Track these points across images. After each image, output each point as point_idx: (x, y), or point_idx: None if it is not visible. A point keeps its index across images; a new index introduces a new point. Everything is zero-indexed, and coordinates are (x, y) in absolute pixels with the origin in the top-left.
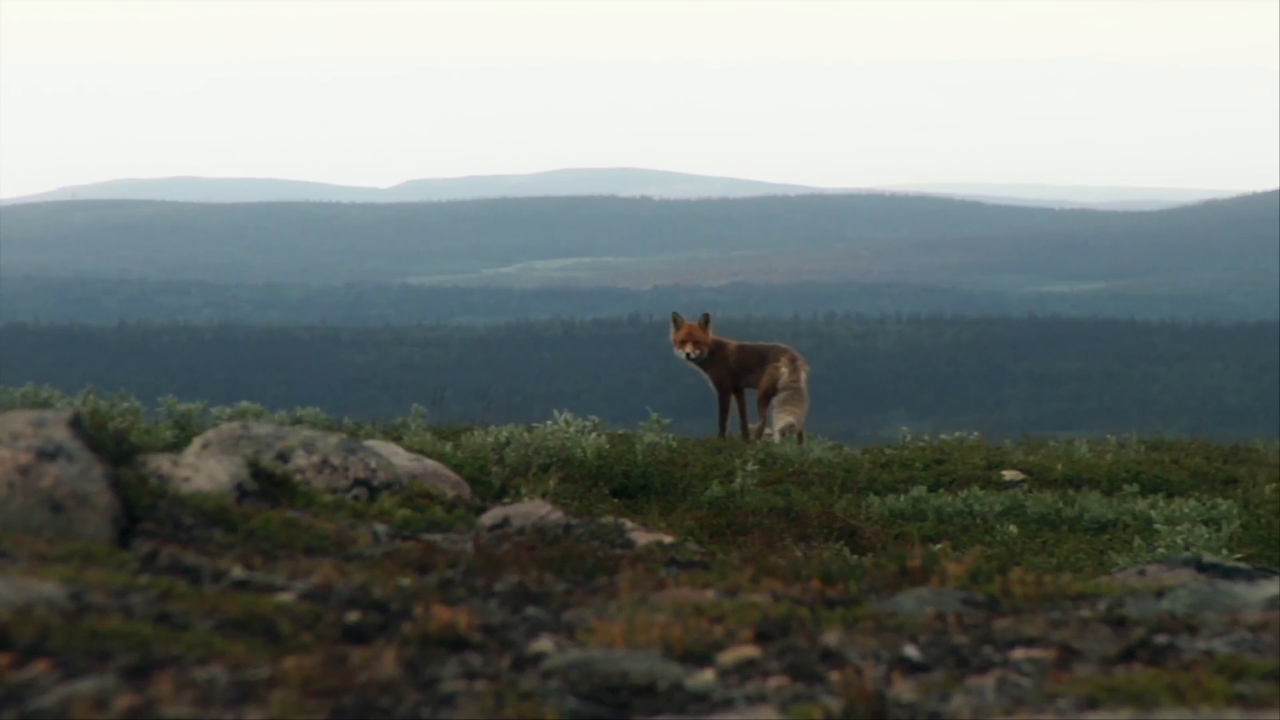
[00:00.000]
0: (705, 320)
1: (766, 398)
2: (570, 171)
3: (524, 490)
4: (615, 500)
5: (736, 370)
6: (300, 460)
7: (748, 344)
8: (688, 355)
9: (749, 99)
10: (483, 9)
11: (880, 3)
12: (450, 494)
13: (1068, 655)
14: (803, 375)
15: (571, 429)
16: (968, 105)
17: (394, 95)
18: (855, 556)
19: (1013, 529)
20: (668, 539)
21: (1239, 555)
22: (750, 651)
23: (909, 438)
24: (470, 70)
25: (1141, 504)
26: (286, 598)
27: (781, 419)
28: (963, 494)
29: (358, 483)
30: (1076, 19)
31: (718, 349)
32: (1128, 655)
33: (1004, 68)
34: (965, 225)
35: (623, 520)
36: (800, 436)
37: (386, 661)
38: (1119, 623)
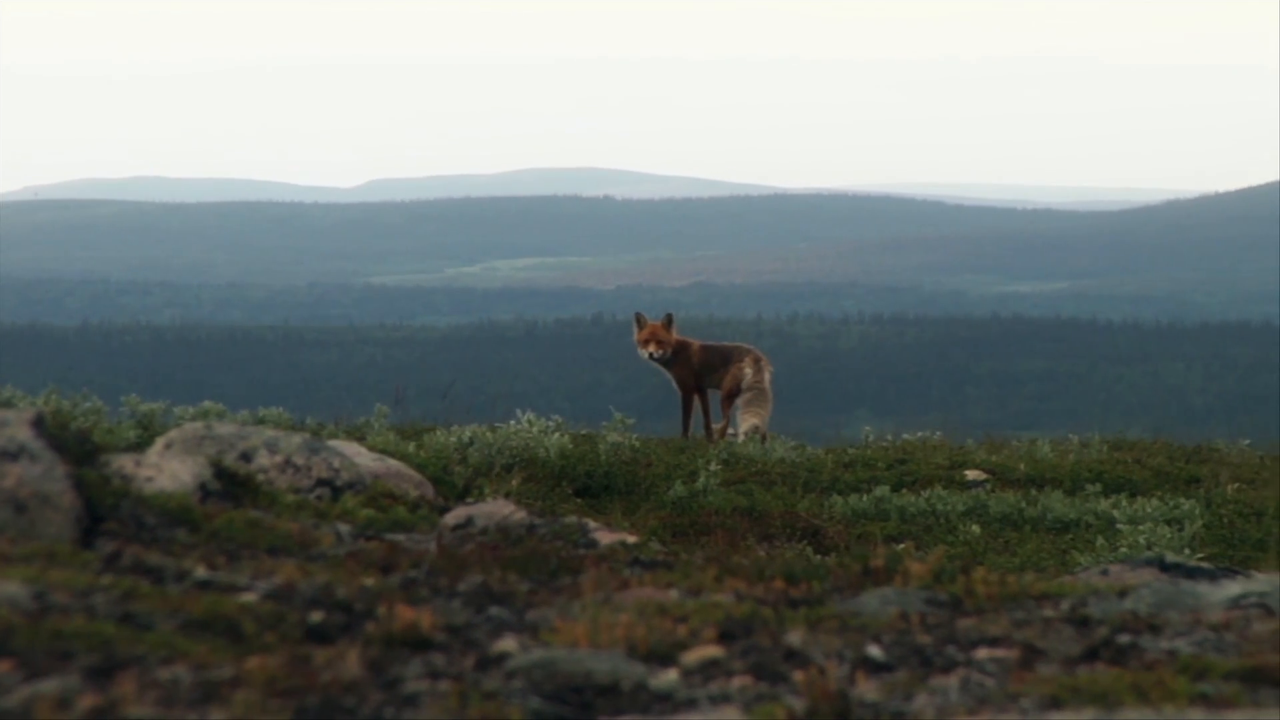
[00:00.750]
0: (668, 320)
1: (730, 398)
2: (533, 171)
3: (487, 490)
4: (578, 500)
5: (700, 370)
6: (263, 460)
7: (711, 344)
8: (651, 355)
9: (712, 99)
10: (444, 8)
11: (843, 3)
12: (413, 494)
13: (1031, 655)
14: (766, 376)
15: (535, 429)
16: (930, 105)
17: (357, 94)
18: (818, 556)
19: (976, 529)
20: (631, 539)
21: (1202, 555)
22: (714, 651)
23: (872, 437)
24: (433, 69)
25: (1104, 504)
26: (250, 598)
27: (746, 421)
28: (926, 494)
29: (321, 483)
30: (1038, 19)
31: (681, 349)
32: (1091, 655)
33: (967, 68)
34: (928, 225)
35: (586, 520)
36: (764, 437)
37: (350, 661)
38: (1082, 622)
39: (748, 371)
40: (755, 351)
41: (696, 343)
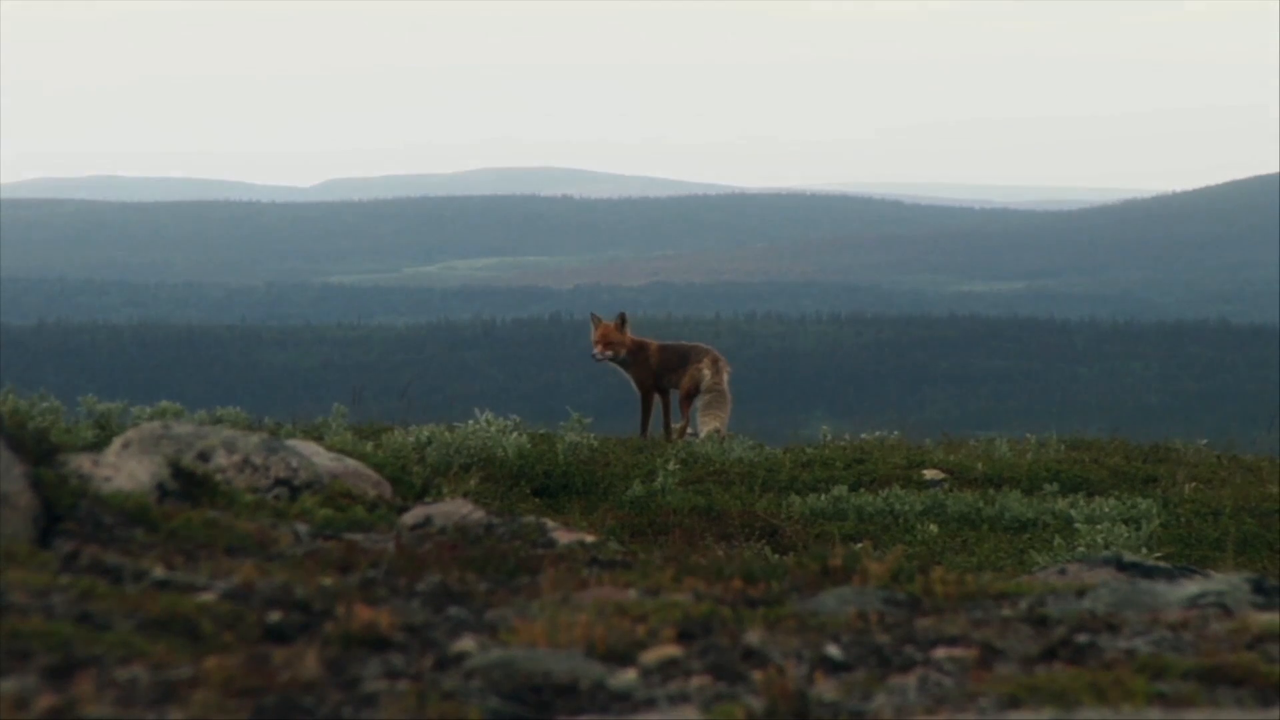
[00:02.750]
0: (621, 320)
1: (689, 398)
2: (491, 171)
3: (445, 490)
4: (537, 499)
5: (658, 370)
6: (221, 460)
7: (669, 344)
8: (601, 355)
9: (670, 99)
10: (400, 9)
11: (798, 6)
12: (372, 493)
13: (989, 654)
14: (725, 376)
15: (493, 428)
16: (887, 105)
17: (314, 94)
18: (777, 556)
19: (933, 528)
20: (590, 538)
21: (1159, 554)
22: (672, 651)
23: (830, 437)
24: (391, 69)
25: (1062, 503)
26: (208, 597)
27: (706, 424)
28: (883, 493)
29: (279, 482)
30: (994, 20)
31: (639, 349)
32: (1049, 654)
33: (923, 68)
34: (885, 225)
35: (545, 519)
36: (724, 439)
37: (308, 661)
38: (1040, 622)
39: (706, 373)
40: (713, 352)
41: (654, 343)
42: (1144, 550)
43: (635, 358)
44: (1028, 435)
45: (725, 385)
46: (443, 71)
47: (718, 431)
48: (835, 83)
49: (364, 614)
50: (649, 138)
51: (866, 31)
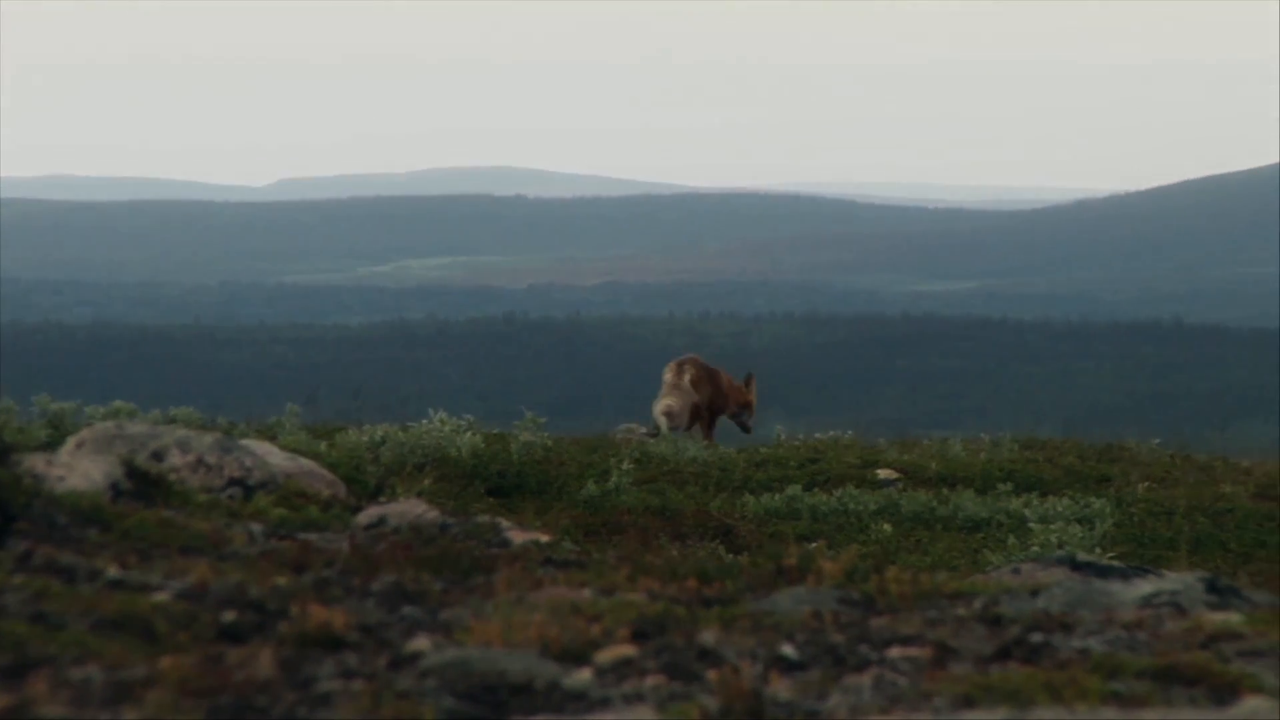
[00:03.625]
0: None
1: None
2: (445, 170)
3: (399, 489)
4: (491, 499)
5: None
6: (175, 459)
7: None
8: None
9: (623, 97)
10: (355, 5)
11: (751, 5)
12: (326, 493)
13: (944, 654)
14: (686, 376)
15: (446, 428)
16: (840, 105)
17: (268, 93)
18: (731, 555)
19: (887, 527)
20: (544, 538)
21: (1113, 554)
22: (627, 650)
23: (784, 436)
24: (345, 67)
25: (1015, 502)
26: (162, 597)
27: (656, 408)
28: (837, 493)
29: (233, 482)
30: (943, 20)
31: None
32: (1003, 654)
33: (875, 69)
34: (839, 224)
35: (499, 519)
36: (672, 416)
37: (263, 661)
38: (995, 621)
39: (666, 376)
40: (684, 357)
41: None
42: (1097, 550)
43: None
44: (981, 435)
45: (685, 382)
46: (397, 70)
47: (670, 410)
48: (789, 83)
49: (318, 614)
50: (603, 137)
51: (820, 32)
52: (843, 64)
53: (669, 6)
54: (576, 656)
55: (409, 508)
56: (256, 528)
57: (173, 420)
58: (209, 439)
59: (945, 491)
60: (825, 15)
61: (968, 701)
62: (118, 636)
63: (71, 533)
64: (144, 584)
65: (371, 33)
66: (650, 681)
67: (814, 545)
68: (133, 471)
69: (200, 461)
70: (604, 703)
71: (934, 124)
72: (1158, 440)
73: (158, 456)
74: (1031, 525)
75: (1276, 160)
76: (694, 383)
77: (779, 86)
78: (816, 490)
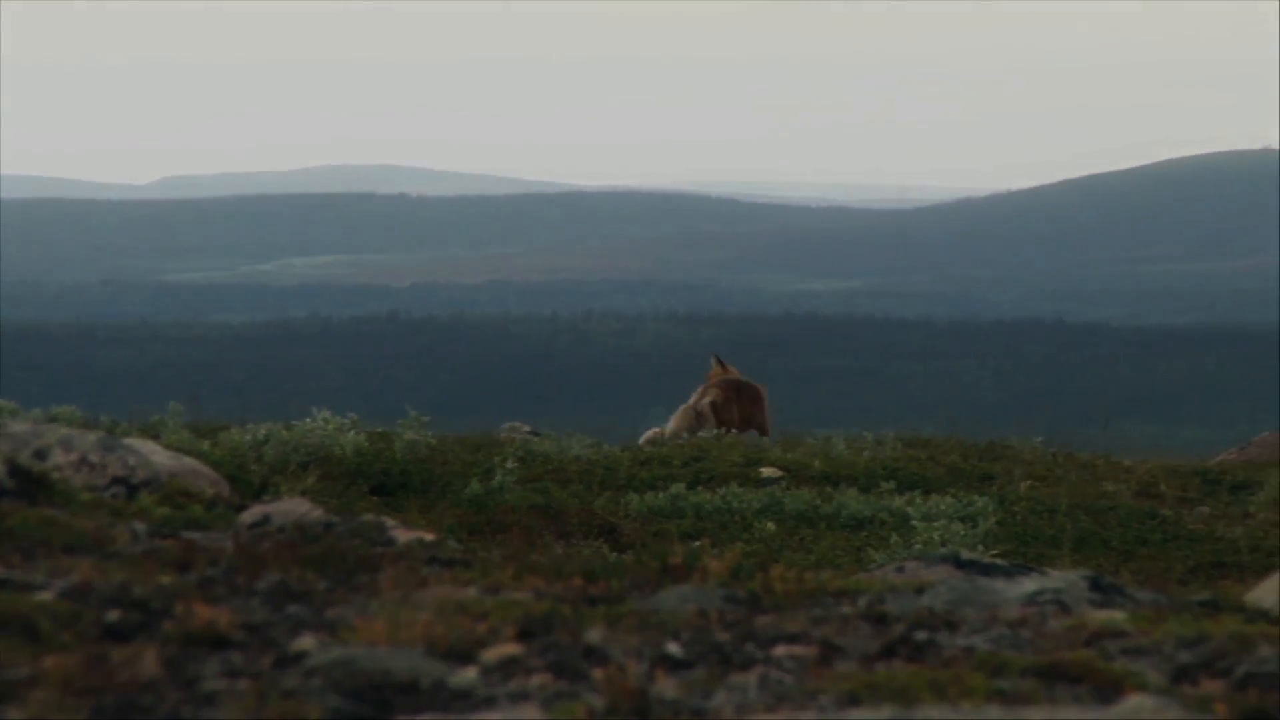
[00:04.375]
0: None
1: None
2: (328, 169)
3: (283, 488)
4: (375, 498)
5: None
6: (58, 458)
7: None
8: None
9: (507, 96)
10: (235, 5)
11: (644, 4)
12: (209, 492)
13: (829, 652)
14: (707, 399)
15: (330, 426)
16: (722, 103)
17: (150, 90)
18: (615, 554)
19: (771, 526)
20: (429, 537)
21: (996, 552)
22: (513, 649)
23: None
24: (227, 66)
25: (899, 501)
26: (45, 596)
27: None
28: (721, 491)
29: (116, 481)
30: (829, 20)
31: None
32: (888, 652)
33: (758, 66)
34: (722, 222)
35: (384, 518)
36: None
37: (147, 660)
38: (879, 619)
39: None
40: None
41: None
42: (980, 548)
43: None
44: (865, 433)
45: (697, 400)
46: (280, 68)
47: (660, 432)
48: (671, 81)
49: (203, 613)
50: (486, 135)
51: (703, 31)
52: (721, 61)
53: (550, 7)
54: (462, 655)
55: (293, 506)
56: (140, 526)
57: (55, 419)
58: (92, 438)
59: (829, 490)
60: (709, 11)
61: (853, 699)
62: (1, 636)
63: None
64: (27, 583)
65: (255, 33)
66: (536, 680)
67: (698, 544)
68: (15, 470)
69: (84, 460)
70: (490, 701)
71: (818, 122)
72: (1040, 439)
73: (40, 455)
74: (915, 523)
75: (1157, 159)
76: (716, 405)
77: (661, 84)
78: (700, 489)
